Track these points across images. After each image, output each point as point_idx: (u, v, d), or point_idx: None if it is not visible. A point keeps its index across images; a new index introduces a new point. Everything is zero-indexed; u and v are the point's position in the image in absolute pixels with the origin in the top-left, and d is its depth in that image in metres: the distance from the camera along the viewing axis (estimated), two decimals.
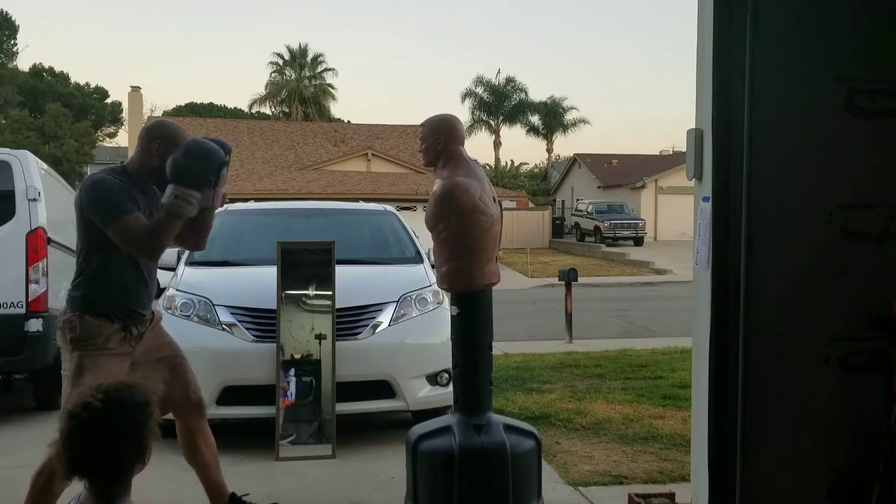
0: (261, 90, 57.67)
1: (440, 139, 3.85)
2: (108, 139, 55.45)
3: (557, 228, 38.10)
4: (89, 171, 46.91)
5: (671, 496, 4.08)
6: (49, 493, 3.42)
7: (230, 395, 5.43)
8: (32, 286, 6.55)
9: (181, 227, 3.57)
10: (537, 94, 61.43)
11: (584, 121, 53.55)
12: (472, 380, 3.84)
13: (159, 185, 3.62)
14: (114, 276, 3.50)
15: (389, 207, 7.64)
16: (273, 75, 54.59)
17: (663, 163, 42.65)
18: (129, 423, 1.86)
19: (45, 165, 7.60)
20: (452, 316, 3.89)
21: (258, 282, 5.72)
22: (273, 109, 55.23)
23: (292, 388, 5.37)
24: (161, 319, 3.88)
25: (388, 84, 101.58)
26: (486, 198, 3.80)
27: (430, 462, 3.74)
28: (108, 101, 54.69)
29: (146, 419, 1.90)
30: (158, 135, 3.59)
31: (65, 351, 3.51)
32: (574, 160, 49.51)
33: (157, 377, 3.37)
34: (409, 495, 3.87)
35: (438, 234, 3.79)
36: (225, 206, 7.40)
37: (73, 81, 52.67)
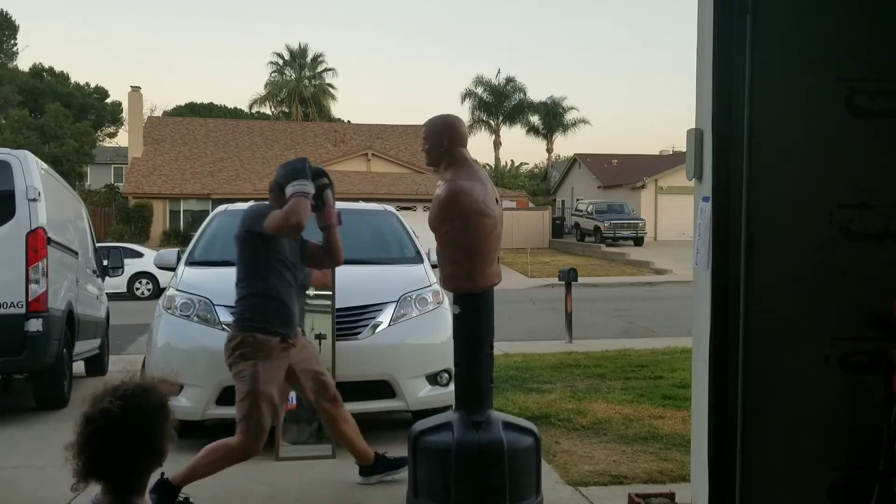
0: (261, 90, 57.77)
1: (443, 141, 3.87)
2: (108, 139, 55.49)
3: (557, 228, 38.11)
4: (89, 171, 47.00)
5: (671, 496, 4.08)
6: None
7: (230, 395, 5.41)
8: (32, 286, 6.55)
9: (316, 248, 4.59)
10: (537, 94, 61.51)
11: (584, 121, 53.65)
12: (473, 378, 3.88)
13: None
14: (274, 298, 4.25)
15: (389, 207, 7.64)
16: (273, 75, 54.66)
17: (663, 163, 42.67)
18: (146, 429, 1.86)
19: (45, 165, 7.60)
20: (454, 316, 3.92)
21: None
22: (273, 109, 55.27)
23: (292, 391, 5.35)
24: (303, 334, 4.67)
25: (388, 84, 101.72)
26: (489, 200, 3.81)
27: (429, 458, 3.80)
28: (108, 101, 54.69)
29: (162, 422, 1.89)
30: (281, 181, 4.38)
31: (241, 362, 4.19)
32: (574, 160, 49.52)
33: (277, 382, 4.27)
34: (410, 490, 3.93)
35: (442, 236, 3.81)
36: (225, 207, 7.40)
37: (73, 81, 52.68)
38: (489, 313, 3.89)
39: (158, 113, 53.77)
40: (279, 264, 4.27)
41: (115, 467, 1.84)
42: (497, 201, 3.91)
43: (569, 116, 52.78)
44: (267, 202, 4.52)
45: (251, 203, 4.63)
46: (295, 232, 4.25)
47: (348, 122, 51.42)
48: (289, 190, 4.22)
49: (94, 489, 1.91)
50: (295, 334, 4.34)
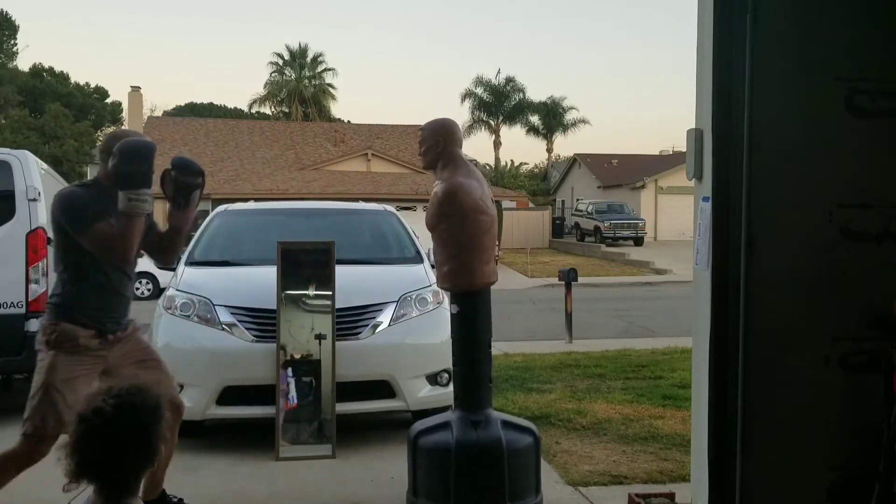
0: (261, 90, 57.70)
1: (440, 142, 3.95)
2: None
3: (557, 228, 38.10)
4: (89, 171, 46.95)
5: (671, 496, 4.08)
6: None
7: (230, 395, 5.43)
8: (32, 286, 6.55)
9: (154, 241, 3.88)
10: (537, 94, 61.60)
11: (584, 121, 53.60)
12: (472, 377, 3.91)
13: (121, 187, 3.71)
14: (89, 286, 3.65)
15: (389, 207, 7.64)
16: (273, 75, 54.61)
17: (663, 163, 42.65)
18: (140, 429, 1.86)
19: (45, 165, 7.60)
20: (452, 315, 3.95)
21: (258, 282, 5.72)
22: (273, 109, 55.24)
23: (293, 392, 5.37)
24: (138, 330, 3.96)
25: (388, 84, 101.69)
26: (485, 198, 3.89)
27: (428, 457, 3.82)
28: (108, 101, 54.71)
29: (156, 423, 1.90)
30: (115, 144, 3.66)
31: (40, 352, 3.69)
32: (574, 160, 49.51)
33: (130, 378, 3.53)
34: (409, 489, 3.94)
35: (440, 234, 3.85)
36: (225, 207, 7.41)
37: (73, 81, 52.69)
38: (487, 312, 3.93)
39: (158, 113, 53.78)
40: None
41: (108, 467, 1.84)
42: (492, 200, 3.97)
43: (569, 116, 52.79)
44: (95, 180, 3.79)
45: (72, 185, 3.83)
46: (120, 261, 3.64)
47: (348, 122, 51.38)
48: (122, 199, 3.48)
49: (88, 491, 1.91)
50: (115, 328, 3.74)
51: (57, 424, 3.57)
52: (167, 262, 4.17)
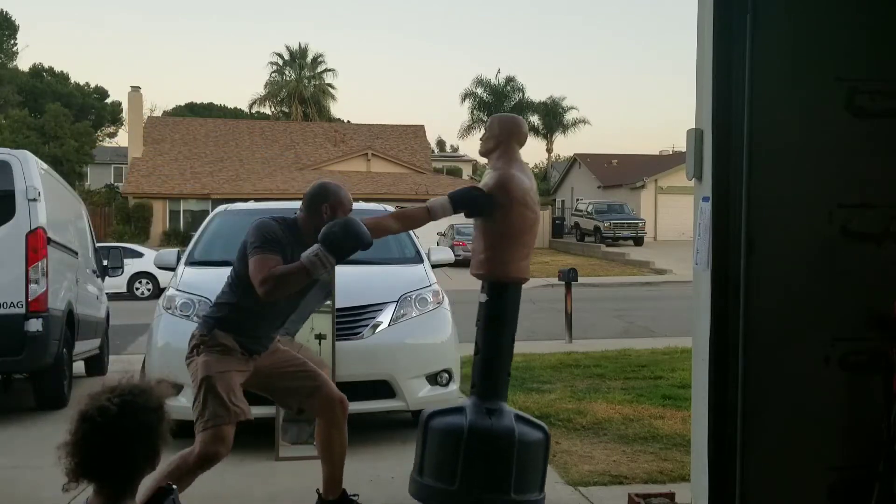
0: (261, 90, 57.72)
1: (504, 133, 4.00)
2: (108, 139, 55.48)
3: (557, 228, 38.09)
4: (89, 171, 46.96)
5: (671, 496, 4.07)
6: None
7: None
8: (32, 286, 6.55)
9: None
10: (537, 94, 61.47)
11: (583, 121, 53.55)
12: (491, 367, 3.92)
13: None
14: (252, 314, 3.76)
15: (389, 207, 7.64)
16: (273, 75, 54.64)
17: (663, 163, 42.66)
18: (142, 428, 1.86)
19: (45, 165, 7.60)
20: (480, 303, 3.94)
21: None
22: (273, 109, 55.26)
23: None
24: (279, 342, 4.06)
25: (388, 84, 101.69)
26: (533, 195, 3.93)
27: (439, 438, 3.81)
28: (108, 101, 54.68)
29: (158, 424, 1.89)
30: (328, 199, 3.80)
31: (190, 362, 3.83)
32: (574, 160, 49.51)
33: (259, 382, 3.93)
34: (415, 469, 3.94)
35: (485, 220, 3.87)
36: (225, 207, 7.41)
37: (73, 81, 52.65)
38: (516, 305, 3.95)
39: (158, 113, 53.79)
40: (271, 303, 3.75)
41: (109, 467, 1.84)
42: (537, 202, 4.03)
43: (569, 116, 52.77)
44: (295, 220, 3.88)
45: (272, 218, 3.88)
46: (260, 293, 3.64)
47: (348, 122, 51.42)
48: (311, 250, 3.59)
49: (88, 492, 1.91)
50: (259, 351, 3.89)
51: (226, 413, 3.74)
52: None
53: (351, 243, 3.64)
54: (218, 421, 3.74)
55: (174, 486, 1.99)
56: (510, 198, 3.79)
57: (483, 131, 4.20)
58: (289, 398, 4.15)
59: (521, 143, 4.06)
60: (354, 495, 4.18)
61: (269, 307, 3.75)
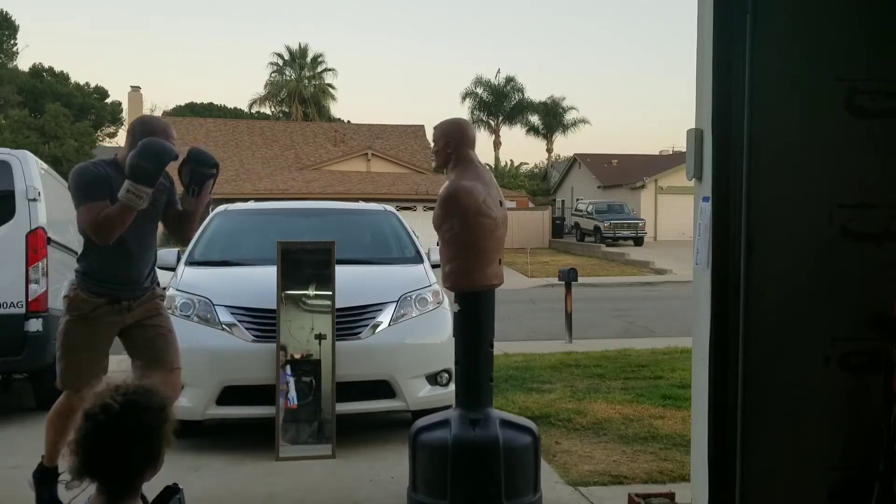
0: (261, 90, 57.72)
1: (451, 143, 3.97)
2: (108, 139, 55.39)
3: (557, 228, 38.09)
4: None
5: (671, 496, 4.08)
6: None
7: (230, 394, 5.43)
8: (32, 286, 6.55)
9: (170, 219, 4.21)
10: (537, 94, 61.58)
11: (584, 121, 53.63)
12: (472, 376, 3.94)
13: None
14: (104, 253, 3.91)
15: (389, 207, 7.64)
16: (273, 75, 54.63)
17: (663, 163, 42.66)
18: (145, 427, 1.86)
19: (45, 165, 7.60)
20: (454, 313, 3.98)
21: (258, 282, 5.72)
22: (273, 109, 55.25)
23: (292, 392, 5.37)
24: (163, 298, 4.26)
25: (388, 84, 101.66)
26: (490, 201, 3.88)
27: (427, 453, 3.85)
28: (108, 101, 54.66)
29: (161, 424, 1.90)
30: (144, 129, 3.98)
31: (62, 317, 4.02)
32: (574, 160, 49.51)
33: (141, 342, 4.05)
34: (410, 485, 3.99)
35: (443, 234, 3.90)
36: (225, 207, 7.41)
37: (73, 81, 52.63)
38: (489, 312, 3.94)
39: (158, 113, 53.75)
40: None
41: (110, 465, 1.84)
42: (500, 204, 3.98)
43: (569, 116, 52.81)
44: (115, 158, 4.05)
45: (91, 161, 4.11)
46: (97, 240, 3.85)
47: (348, 122, 51.38)
48: (123, 188, 3.73)
49: (90, 490, 1.91)
50: (131, 294, 4.02)
51: (79, 380, 3.83)
52: (180, 239, 4.50)
53: (153, 164, 3.76)
54: (68, 386, 3.95)
55: (180, 487, 1.99)
56: (463, 210, 3.79)
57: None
58: (135, 355, 4.14)
59: (471, 145, 4.03)
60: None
61: (119, 247, 3.89)
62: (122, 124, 52.52)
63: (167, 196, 4.18)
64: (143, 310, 4.09)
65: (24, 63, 55.05)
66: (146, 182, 3.75)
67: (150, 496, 1.97)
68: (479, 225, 3.82)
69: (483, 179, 3.93)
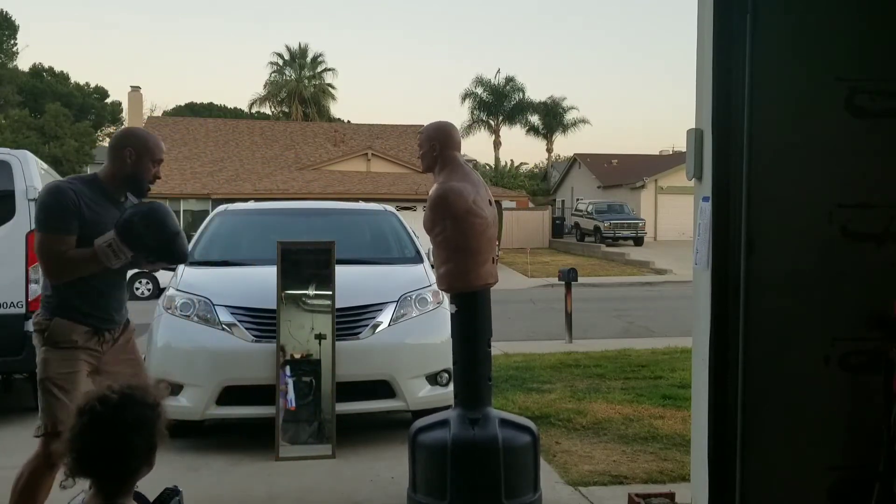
0: (260, 90, 57.71)
1: (436, 145, 4.00)
2: (108, 139, 55.44)
3: (557, 228, 38.10)
4: (89, 171, 46.94)
5: (671, 496, 4.08)
6: (38, 491, 3.35)
7: (230, 395, 5.43)
8: (32, 286, 6.56)
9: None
10: (537, 94, 61.59)
11: (584, 121, 53.57)
12: (471, 375, 3.95)
13: (133, 192, 3.57)
14: (83, 282, 3.42)
15: (389, 207, 7.64)
16: (273, 75, 54.62)
17: (663, 163, 42.65)
18: (140, 422, 1.88)
19: (45, 165, 7.61)
20: (451, 314, 3.98)
21: (258, 282, 5.72)
22: (273, 109, 55.24)
23: (291, 394, 5.37)
24: (134, 330, 3.75)
25: (388, 84, 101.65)
26: (480, 201, 3.91)
27: (426, 454, 3.86)
28: (108, 101, 54.71)
29: (156, 419, 1.91)
30: (131, 143, 3.51)
31: (37, 349, 3.46)
32: (574, 160, 49.50)
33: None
34: (410, 485, 3.99)
35: (435, 236, 3.91)
36: (225, 207, 7.41)
37: (73, 81, 52.67)
38: (485, 312, 3.96)
39: (158, 113, 53.80)
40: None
41: (108, 460, 1.85)
42: (490, 203, 4.00)
43: (569, 116, 52.76)
44: (95, 175, 3.55)
45: (68, 179, 3.53)
46: (46, 276, 3.40)
47: (348, 122, 51.36)
48: (106, 237, 3.31)
49: (84, 490, 1.91)
50: (110, 326, 3.54)
51: (67, 418, 3.40)
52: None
53: (150, 235, 3.32)
54: (59, 427, 3.23)
55: (180, 489, 2.00)
56: (453, 212, 3.81)
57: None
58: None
59: (457, 147, 4.05)
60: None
61: (99, 276, 3.41)
62: (121, 124, 52.49)
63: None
64: (121, 346, 3.63)
65: (24, 63, 55.09)
66: (134, 248, 3.34)
67: (150, 498, 1.97)
68: (470, 225, 3.84)
69: (471, 179, 3.95)
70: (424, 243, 7.01)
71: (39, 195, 3.44)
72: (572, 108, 54.22)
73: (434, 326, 5.77)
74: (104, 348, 3.52)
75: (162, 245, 3.42)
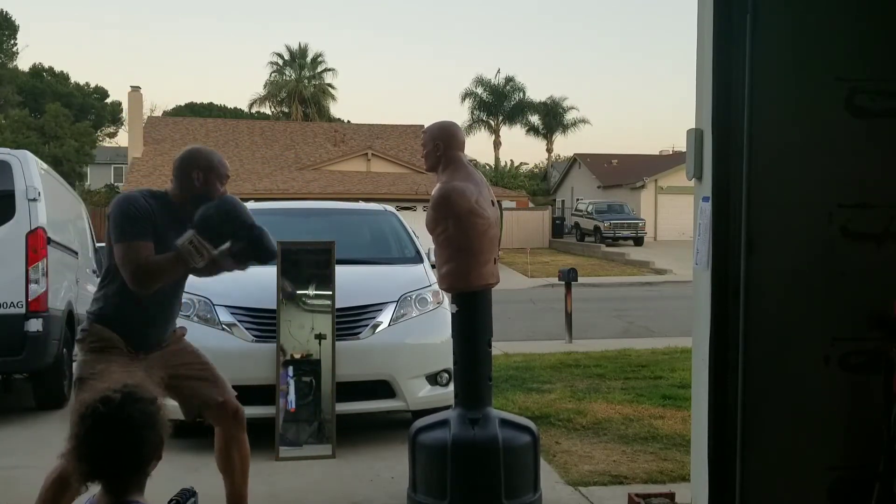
0: (260, 90, 57.71)
1: (440, 145, 3.99)
2: (108, 139, 55.47)
3: (557, 228, 38.10)
4: (89, 171, 46.96)
5: (671, 496, 4.08)
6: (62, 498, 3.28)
7: None
8: (32, 286, 6.56)
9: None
10: (537, 94, 61.54)
11: (584, 121, 53.60)
12: (471, 375, 3.94)
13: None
14: (130, 298, 3.36)
15: (389, 207, 7.64)
16: (273, 75, 54.60)
17: (663, 163, 42.65)
18: (146, 415, 1.89)
19: (45, 165, 7.61)
20: (452, 314, 3.98)
21: (258, 282, 5.71)
22: (273, 109, 55.23)
23: (292, 395, 5.37)
24: (184, 335, 3.74)
25: (388, 84, 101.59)
26: (482, 201, 3.91)
27: (426, 454, 3.85)
28: (108, 101, 54.66)
29: (157, 412, 1.92)
30: (197, 164, 3.49)
31: (78, 356, 3.45)
32: (574, 160, 49.51)
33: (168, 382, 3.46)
34: (410, 485, 3.99)
35: (437, 236, 3.91)
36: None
37: (73, 81, 52.63)
38: (486, 312, 3.96)
39: (158, 113, 53.74)
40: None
41: (119, 458, 1.85)
42: (493, 203, 4.00)
43: (569, 116, 52.79)
44: (166, 192, 3.52)
45: (139, 191, 3.52)
46: (134, 288, 3.31)
47: (348, 122, 51.35)
48: (186, 236, 3.28)
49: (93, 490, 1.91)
50: (148, 346, 3.48)
51: None
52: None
53: (230, 226, 3.36)
54: None
55: (196, 491, 2.00)
56: (456, 212, 3.81)
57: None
58: (188, 402, 3.65)
59: (461, 147, 4.05)
60: None
61: (150, 299, 3.37)
62: (121, 124, 52.50)
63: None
64: (168, 350, 3.58)
65: (24, 63, 55.07)
66: (214, 241, 3.31)
67: (162, 501, 1.97)
68: (472, 225, 3.84)
69: (474, 179, 3.95)
70: (425, 243, 7.02)
71: (112, 206, 3.39)
72: (572, 108, 54.33)
73: (434, 326, 5.77)
74: (140, 355, 3.44)
75: (245, 236, 3.43)
